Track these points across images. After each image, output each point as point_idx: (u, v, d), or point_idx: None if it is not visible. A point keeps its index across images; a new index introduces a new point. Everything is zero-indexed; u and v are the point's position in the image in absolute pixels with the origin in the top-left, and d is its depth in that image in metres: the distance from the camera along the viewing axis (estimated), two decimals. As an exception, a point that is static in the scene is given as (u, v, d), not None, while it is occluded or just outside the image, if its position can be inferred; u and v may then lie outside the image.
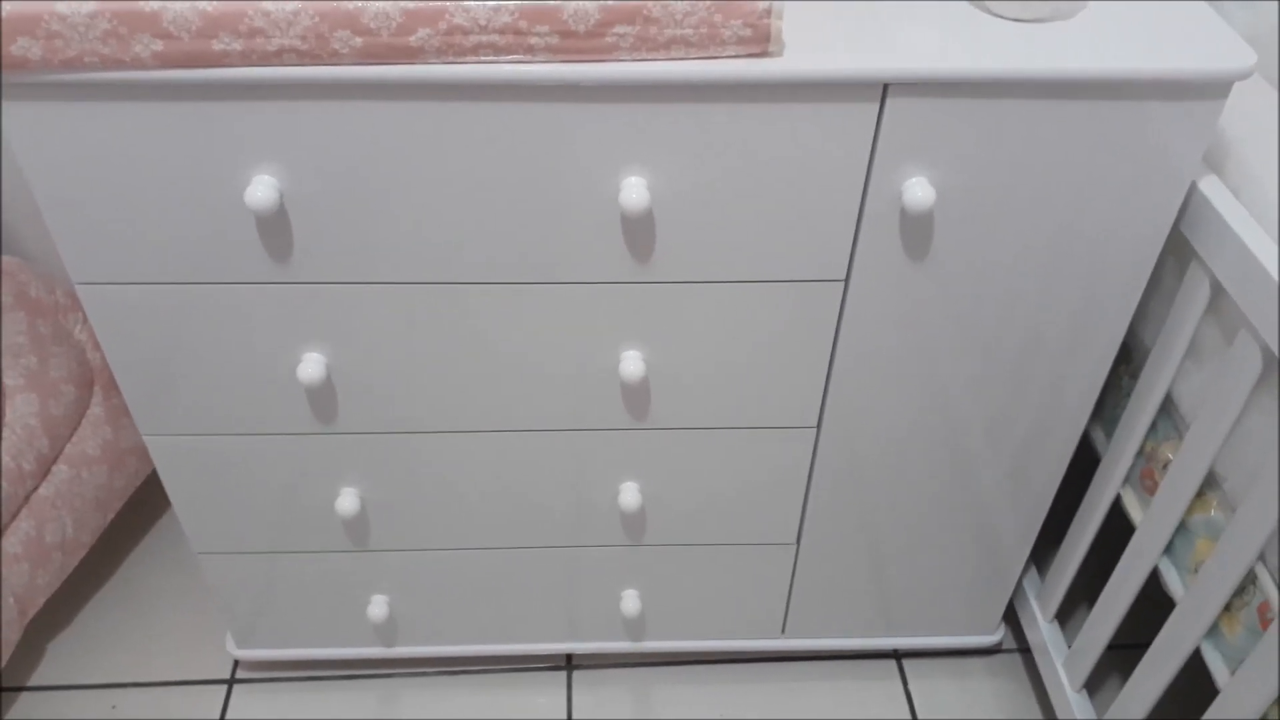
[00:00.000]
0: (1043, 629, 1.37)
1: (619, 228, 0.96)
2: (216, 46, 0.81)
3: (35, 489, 1.37)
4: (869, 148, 0.91)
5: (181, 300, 1.00)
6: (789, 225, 0.96)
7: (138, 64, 0.82)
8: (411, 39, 0.82)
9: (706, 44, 0.84)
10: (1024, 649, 1.52)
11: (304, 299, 1.00)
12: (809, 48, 0.86)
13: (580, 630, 1.42)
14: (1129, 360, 1.18)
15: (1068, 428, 1.16)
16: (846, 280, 1.01)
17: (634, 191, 0.91)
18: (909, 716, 1.45)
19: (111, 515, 1.50)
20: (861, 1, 0.92)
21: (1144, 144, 0.92)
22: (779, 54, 0.85)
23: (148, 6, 0.79)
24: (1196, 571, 1.03)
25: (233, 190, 0.91)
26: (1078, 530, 1.27)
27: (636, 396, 1.10)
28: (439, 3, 0.81)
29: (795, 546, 1.29)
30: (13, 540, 1.33)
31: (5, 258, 1.49)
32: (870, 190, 0.94)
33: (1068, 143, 0.91)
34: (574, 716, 1.43)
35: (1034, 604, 1.40)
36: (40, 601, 1.39)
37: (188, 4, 0.79)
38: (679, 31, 0.83)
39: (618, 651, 1.45)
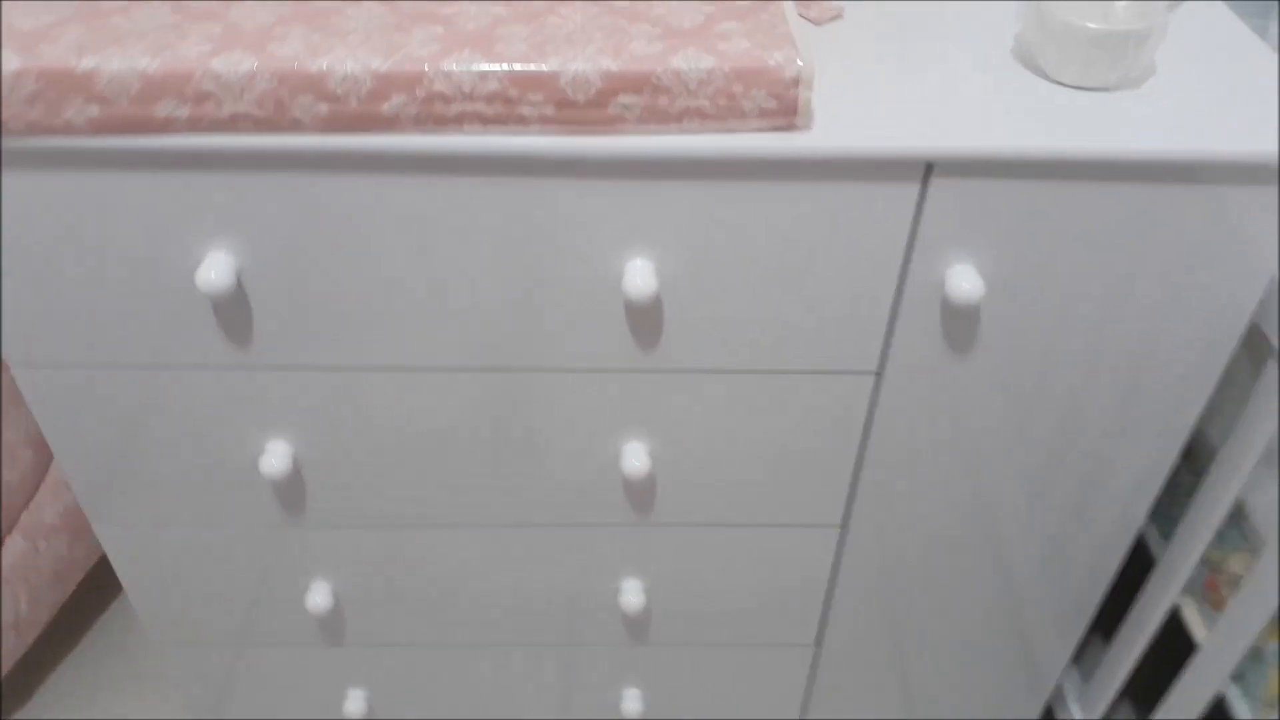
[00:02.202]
0: (1083, 738, 1.24)
1: (622, 313, 0.84)
2: (160, 112, 0.70)
3: (-14, 565, 1.26)
4: (908, 231, 0.80)
5: (130, 384, 0.89)
6: (815, 313, 0.85)
7: (70, 130, 0.71)
8: (385, 107, 0.71)
9: (725, 116, 0.73)
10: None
11: (267, 384, 0.89)
12: (841, 119, 0.75)
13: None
14: (1191, 456, 1.06)
15: (1121, 533, 1.04)
16: (879, 372, 0.89)
17: (639, 276, 0.79)
18: (933, 826, 1.32)
19: (71, 588, 1.39)
20: (900, 65, 0.81)
21: (1218, 231, 0.80)
22: (807, 127, 0.74)
23: (80, 66, 0.69)
24: (1272, 705, 0.91)
25: (183, 268, 0.81)
26: (1129, 637, 1.15)
27: (640, 491, 0.99)
28: (416, 67, 0.70)
29: (815, 648, 1.17)
30: (-40, 621, 1.22)
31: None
32: (909, 277, 0.82)
33: (1132, 228, 0.79)
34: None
35: (1074, 707, 1.27)
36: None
37: (126, 64, 0.69)
38: (693, 103, 0.72)
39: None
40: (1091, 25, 0.76)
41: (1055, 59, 0.78)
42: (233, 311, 0.84)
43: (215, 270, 0.78)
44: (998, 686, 1.25)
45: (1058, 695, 1.31)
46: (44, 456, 1.34)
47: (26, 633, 1.32)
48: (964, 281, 0.80)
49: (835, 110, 0.75)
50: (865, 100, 0.77)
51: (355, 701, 1.22)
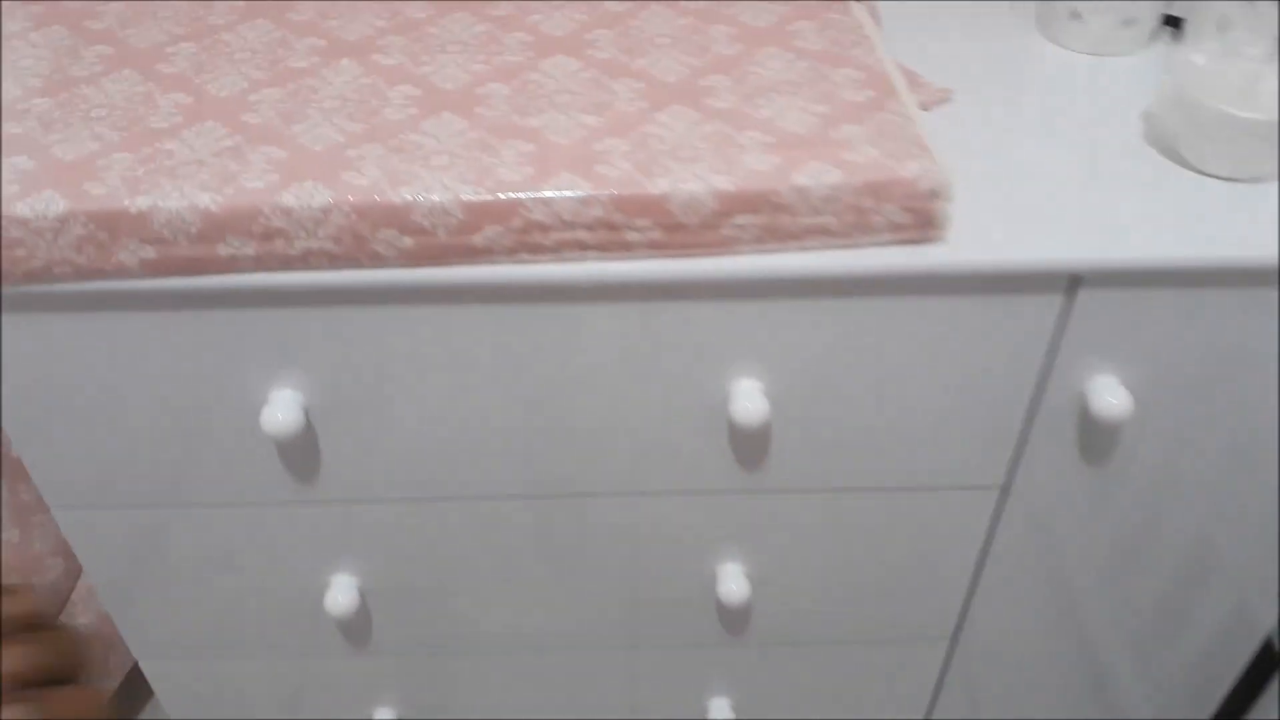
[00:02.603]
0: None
1: (725, 436, 0.77)
2: (223, 251, 0.63)
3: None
4: (1048, 342, 0.72)
5: (184, 523, 0.81)
6: (939, 429, 0.77)
7: (124, 273, 0.63)
8: (476, 238, 0.63)
9: (851, 233, 0.65)
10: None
11: (335, 520, 0.82)
12: (975, 226, 0.67)
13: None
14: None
15: (1250, 639, 0.96)
16: (1006, 488, 0.81)
17: (749, 400, 0.72)
18: None
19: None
20: (1026, 156, 0.73)
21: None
22: (942, 240, 0.66)
23: (134, 206, 0.61)
24: None
25: (245, 406, 0.73)
26: (1248, 736, 1.07)
27: (734, 616, 0.91)
28: (511, 195, 0.62)
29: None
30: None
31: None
32: (1047, 389, 0.75)
33: (1293, 331, 0.72)
34: None
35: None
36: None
37: (184, 201, 0.61)
38: (817, 220, 0.64)
39: None
40: (1247, 115, 0.68)
41: (1204, 150, 0.71)
42: (299, 448, 0.76)
43: (282, 411, 0.71)
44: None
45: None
46: (74, 564, 1.26)
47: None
48: (1109, 394, 0.72)
49: (966, 214, 0.67)
50: (997, 203, 0.69)
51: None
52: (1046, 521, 0.84)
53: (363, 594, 0.87)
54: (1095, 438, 0.77)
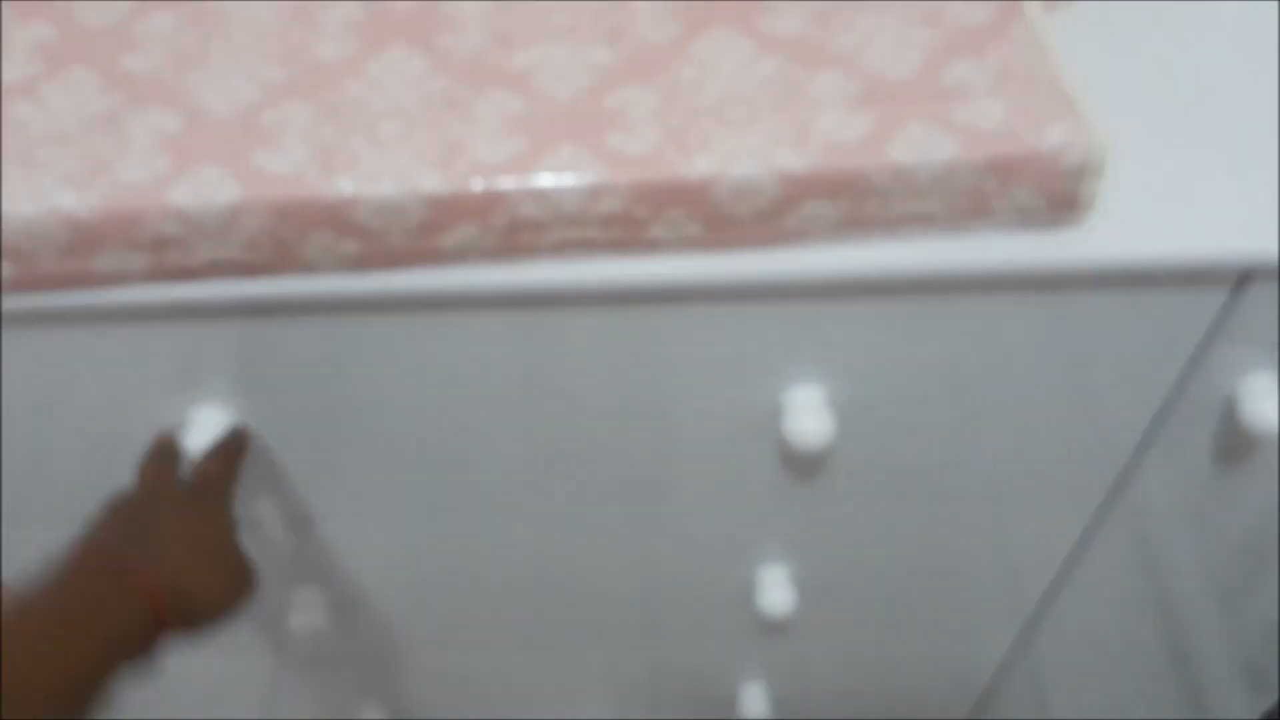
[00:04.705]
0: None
1: (774, 452, 0.61)
2: (102, 265, 0.46)
3: None
4: (1196, 346, 0.55)
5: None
6: (1034, 442, 0.61)
7: (-24, 290, 0.47)
8: (445, 241, 0.46)
9: (961, 219, 0.47)
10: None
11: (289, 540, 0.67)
12: (1116, 202, 0.49)
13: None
14: None
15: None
16: (1109, 501, 0.66)
17: (808, 417, 0.56)
18: None
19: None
20: (1174, 97, 0.54)
21: None
22: (1074, 224, 0.49)
23: (-28, 213, 0.44)
24: None
25: (164, 427, 0.57)
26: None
27: (776, 622, 0.78)
28: (491, 185, 0.44)
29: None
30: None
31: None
32: (1186, 395, 0.58)
33: None
34: None
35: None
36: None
37: (45, 208, 0.44)
38: (918, 206, 0.46)
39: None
40: None
41: None
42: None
43: (206, 435, 0.55)
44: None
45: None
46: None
47: None
48: (1265, 402, 0.56)
49: (1107, 182, 0.49)
50: (1146, 159, 0.51)
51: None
52: (1152, 533, 0.69)
53: (335, 608, 0.74)
54: (1236, 445, 0.62)
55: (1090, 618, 0.82)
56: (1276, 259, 0.49)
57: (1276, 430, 0.58)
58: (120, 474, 0.60)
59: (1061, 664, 0.88)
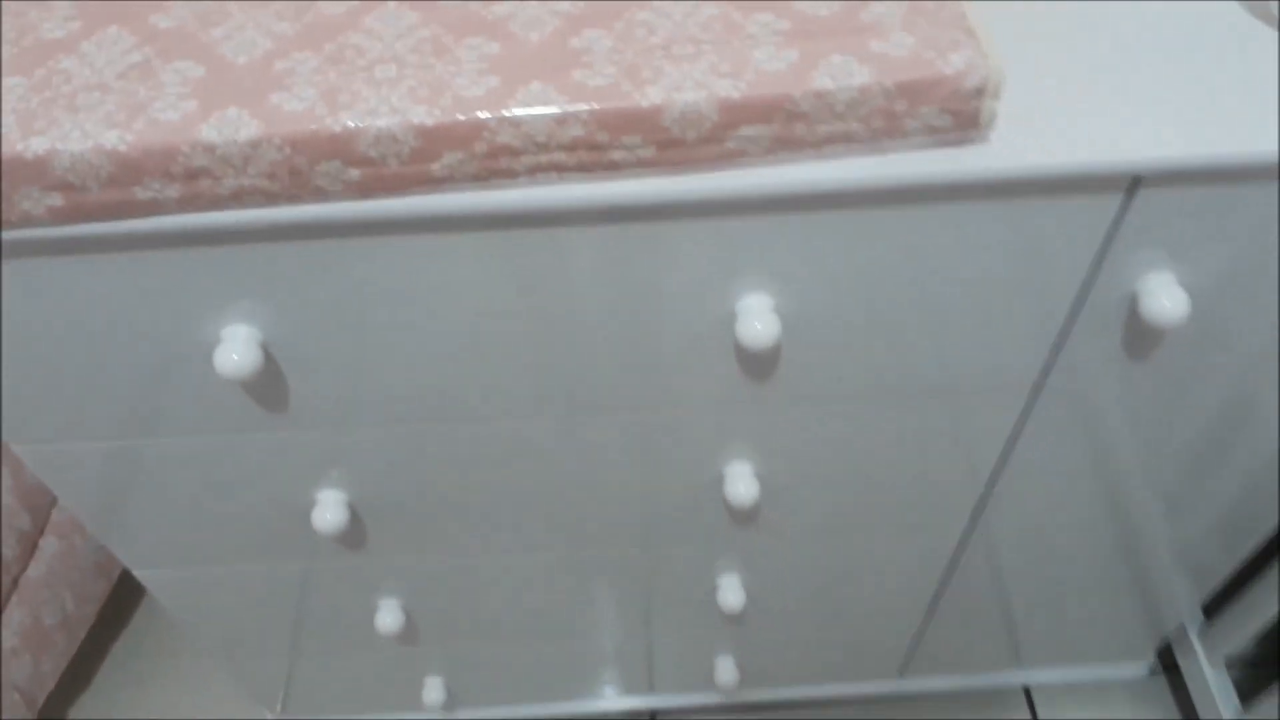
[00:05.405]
0: (1207, 675, 1.17)
1: (731, 354, 0.69)
2: (142, 195, 0.54)
3: (23, 572, 1.17)
4: (1098, 247, 0.63)
5: (155, 452, 0.76)
6: (966, 336, 0.69)
7: (30, 222, 0.54)
8: (434, 167, 0.54)
9: (879, 138, 0.55)
10: (1169, 667, 1.33)
11: (317, 443, 0.76)
12: (1018, 119, 0.57)
13: (664, 684, 1.23)
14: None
15: (1273, 514, 0.92)
16: (1038, 387, 0.75)
17: (757, 320, 0.64)
18: (1038, 753, 1.28)
19: (115, 575, 1.30)
20: (1081, 28, 0.62)
21: None
22: (984, 140, 0.56)
23: (29, 151, 0.51)
24: None
25: (200, 346, 0.65)
26: (1270, 591, 1.05)
27: (743, 513, 0.87)
28: (472, 117, 0.52)
29: (922, 619, 1.09)
30: (7, 634, 1.14)
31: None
32: (1092, 292, 0.66)
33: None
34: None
35: (1196, 643, 1.20)
36: (50, 685, 1.22)
37: (90, 144, 0.51)
38: (840, 127, 0.54)
39: (707, 705, 1.28)
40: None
41: (1301, 9, 0.59)
42: (263, 383, 0.69)
43: (237, 352, 0.63)
44: (1114, 618, 1.16)
45: (1180, 634, 1.23)
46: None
47: (77, 629, 1.24)
48: (1165, 298, 0.64)
49: (1007, 103, 0.57)
50: (1042, 82, 0.58)
51: (434, 691, 1.15)
52: (1078, 417, 0.77)
53: (354, 508, 0.83)
54: (1140, 338, 0.70)
55: (1034, 509, 0.90)
56: (1163, 164, 0.57)
57: (1174, 323, 0.66)
58: (164, 388, 0.68)
59: (1012, 553, 0.97)
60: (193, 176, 0.53)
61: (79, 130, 0.52)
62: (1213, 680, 1.17)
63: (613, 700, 1.26)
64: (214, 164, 0.52)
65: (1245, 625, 1.11)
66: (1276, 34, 0.61)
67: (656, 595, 1.00)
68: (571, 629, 1.06)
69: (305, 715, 1.24)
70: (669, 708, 1.29)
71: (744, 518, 0.87)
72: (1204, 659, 1.18)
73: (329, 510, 0.80)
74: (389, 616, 0.98)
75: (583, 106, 0.52)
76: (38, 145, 0.51)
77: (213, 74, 0.54)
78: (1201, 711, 1.19)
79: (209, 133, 0.52)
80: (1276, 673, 1.11)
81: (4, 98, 0.53)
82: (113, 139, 0.51)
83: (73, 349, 0.65)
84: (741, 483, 0.81)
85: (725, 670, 1.15)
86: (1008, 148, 0.56)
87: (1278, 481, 0.88)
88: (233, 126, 0.52)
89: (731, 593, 0.97)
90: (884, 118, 0.54)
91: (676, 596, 1.00)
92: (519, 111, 0.52)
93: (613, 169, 0.55)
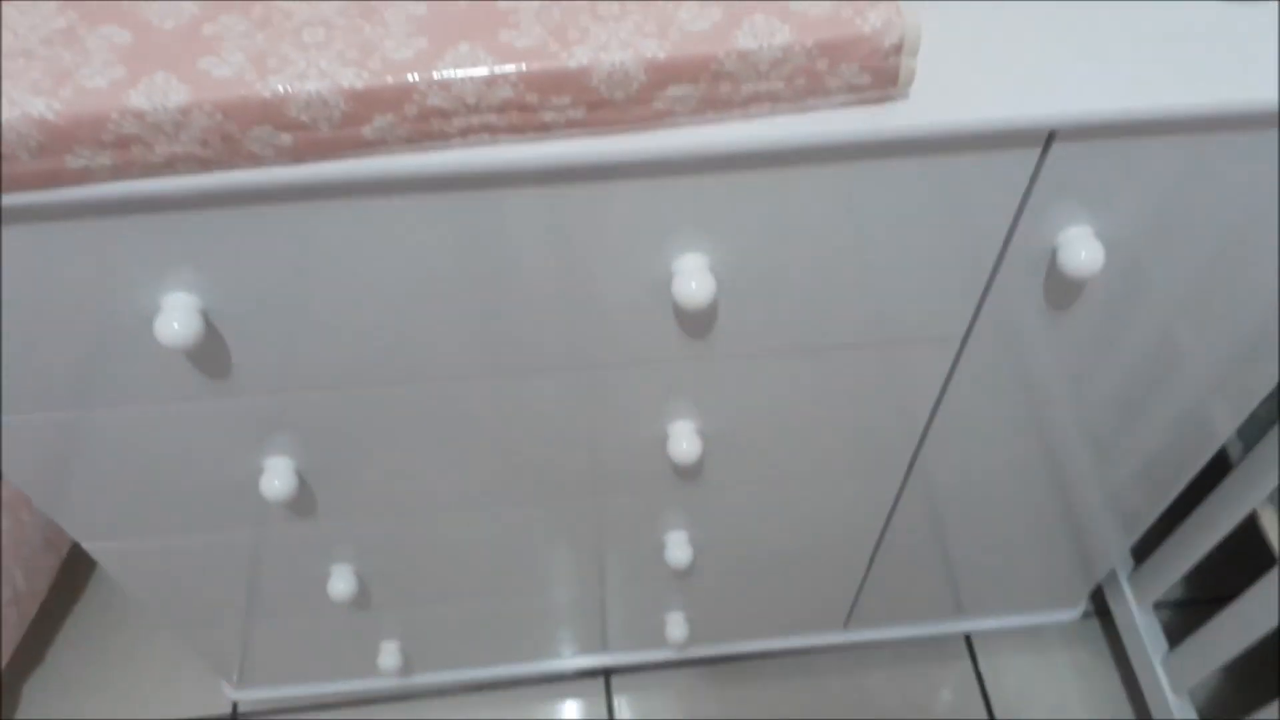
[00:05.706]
0: (1136, 617, 1.22)
1: (669, 313, 0.71)
2: (73, 163, 0.54)
3: (-32, 550, 1.17)
4: (1018, 201, 0.65)
5: (101, 425, 0.76)
6: (894, 289, 0.72)
7: (-42, 191, 0.54)
8: (366, 130, 0.54)
9: (803, 96, 0.57)
10: (1101, 611, 1.38)
11: (261, 409, 0.76)
12: (938, 78, 0.59)
13: (617, 642, 1.26)
14: None
15: (1197, 460, 0.96)
16: (964, 339, 0.77)
17: (693, 280, 0.65)
18: (980, 696, 1.33)
19: (65, 550, 1.30)
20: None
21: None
22: (903, 97, 0.58)
23: (-48, 119, 0.51)
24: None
25: (138, 315, 0.66)
26: (1195, 535, 1.10)
27: (687, 468, 0.89)
28: (402, 81, 0.53)
29: (864, 570, 1.12)
30: (-46, 613, 1.14)
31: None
32: (1013, 245, 0.69)
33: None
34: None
35: (1126, 587, 1.25)
36: (3, 661, 1.22)
37: (18, 112, 0.51)
38: (763, 86, 0.56)
39: (659, 661, 1.30)
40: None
41: (1205, -33, 0.62)
42: (205, 351, 0.69)
43: (177, 321, 0.63)
44: (1049, 566, 1.21)
45: (1111, 579, 1.28)
46: (6, 422, 1.21)
47: (28, 606, 1.24)
48: (1082, 250, 0.67)
49: (928, 61, 0.59)
50: (962, 42, 0.60)
51: (389, 656, 1.17)
52: (1006, 366, 0.80)
53: (301, 475, 0.84)
54: (1062, 289, 0.73)
55: (967, 458, 0.93)
56: (1076, 119, 0.59)
57: (1091, 274, 0.69)
58: (106, 358, 0.69)
59: (948, 502, 1.01)
60: (124, 144, 0.53)
61: (5, 98, 0.52)
62: (1141, 622, 1.22)
63: (568, 659, 1.28)
64: (145, 131, 0.52)
65: (1172, 569, 1.15)
66: (1184, -8, 0.63)
67: (606, 554, 1.02)
68: (523, 589, 1.07)
69: (263, 684, 1.25)
70: (622, 664, 1.32)
71: (688, 474, 0.89)
72: (1133, 602, 1.23)
73: (277, 477, 0.81)
74: (341, 582, 0.99)
75: (510, 68, 0.53)
76: (-36, 113, 0.51)
77: (140, 39, 0.54)
78: (1131, 653, 1.24)
79: (138, 99, 0.52)
80: (1202, 614, 1.16)
81: (-74, 66, 0.53)
82: (40, 107, 0.51)
83: (10, 322, 0.65)
84: (685, 440, 0.82)
85: (676, 626, 1.18)
86: (927, 104, 0.58)
87: (1199, 427, 0.92)
88: (162, 93, 0.52)
89: (679, 549, 1.00)
90: (806, 76, 0.55)
91: (626, 554, 1.02)
92: (448, 73, 0.53)
93: (544, 130, 0.56)
